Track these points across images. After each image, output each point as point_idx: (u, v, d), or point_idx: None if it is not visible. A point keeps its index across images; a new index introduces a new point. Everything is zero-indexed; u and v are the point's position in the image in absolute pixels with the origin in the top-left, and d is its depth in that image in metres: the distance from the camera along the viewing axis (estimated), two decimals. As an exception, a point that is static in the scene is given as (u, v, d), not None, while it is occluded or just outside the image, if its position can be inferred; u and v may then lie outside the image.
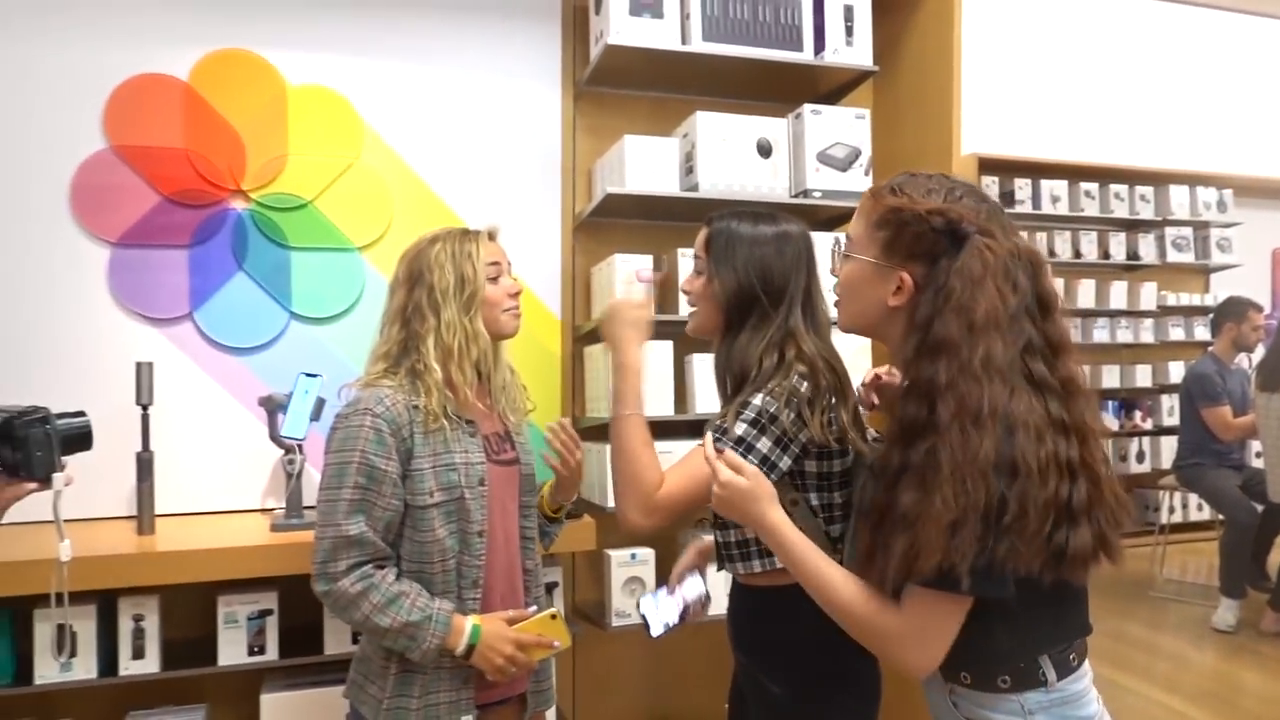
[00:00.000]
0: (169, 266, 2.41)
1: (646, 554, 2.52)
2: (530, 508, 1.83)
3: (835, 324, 1.38)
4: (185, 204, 2.42)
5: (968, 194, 1.20)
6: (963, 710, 1.22)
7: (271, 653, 2.19)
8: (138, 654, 2.11)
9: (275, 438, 2.31)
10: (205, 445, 2.43)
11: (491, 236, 1.76)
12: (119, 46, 2.38)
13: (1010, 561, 1.05)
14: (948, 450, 1.06)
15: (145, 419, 2.23)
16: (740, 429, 1.44)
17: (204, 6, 2.44)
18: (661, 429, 2.47)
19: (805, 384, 1.47)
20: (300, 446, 2.29)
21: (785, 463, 1.46)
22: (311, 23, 2.51)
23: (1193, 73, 6.42)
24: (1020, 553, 1.05)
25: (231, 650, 2.16)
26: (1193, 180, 6.02)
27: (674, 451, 2.44)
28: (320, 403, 2.31)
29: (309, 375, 2.34)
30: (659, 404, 2.45)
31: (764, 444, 1.44)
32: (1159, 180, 5.94)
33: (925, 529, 1.05)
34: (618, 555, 2.50)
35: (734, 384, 1.55)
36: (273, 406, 2.31)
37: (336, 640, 2.23)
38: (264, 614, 2.19)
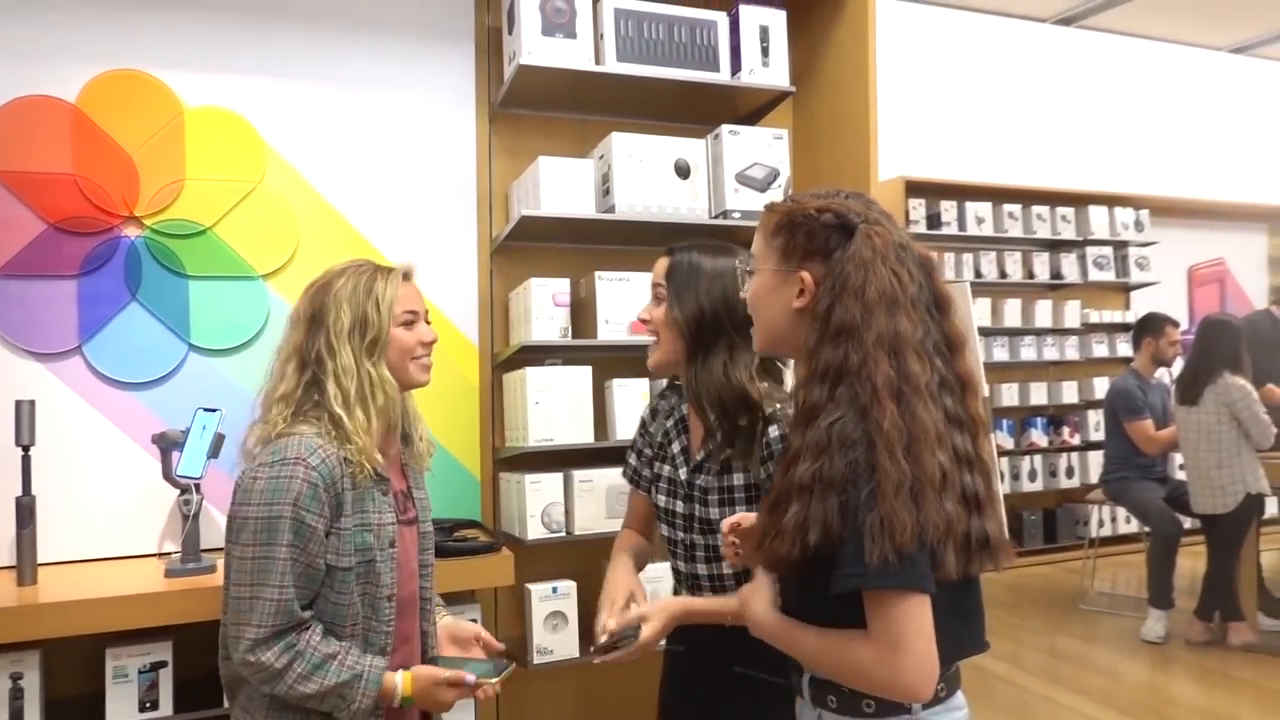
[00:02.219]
0: (56, 298, 2.27)
1: (568, 587, 2.43)
2: (428, 567, 1.70)
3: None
4: (74, 232, 2.29)
5: (855, 197, 1.24)
6: None
7: (166, 708, 2.05)
8: (16, 715, 1.95)
9: (170, 477, 2.17)
10: (93, 487, 2.29)
11: (406, 276, 1.64)
12: (1, 67, 2.25)
13: (901, 540, 1.04)
14: (853, 422, 1.09)
15: (26, 461, 2.08)
16: None
17: (93, 25, 2.32)
18: (581, 457, 2.41)
19: None
20: (197, 486, 2.16)
21: None
22: (210, 43, 2.41)
23: (1108, 98, 6.64)
24: (937, 528, 1.06)
25: (121, 707, 2.02)
26: (1111, 201, 6.20)
27: (594, 480, 2.39)
28: (219, 439, 2.19)
29: (207, 410, 2.21)
30: (577, 431, 2.37)
31: None
32: (1079, 201, 6.11)
33: (816, 499, 1.08)
34: (538, 589, 2.41)
35: (731, 408, 1.55)
36: (167, 444, 2.18)
37: (238, 691, 2.10)
38: (157, 666, 2.05)
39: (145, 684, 2.04)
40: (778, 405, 1.57)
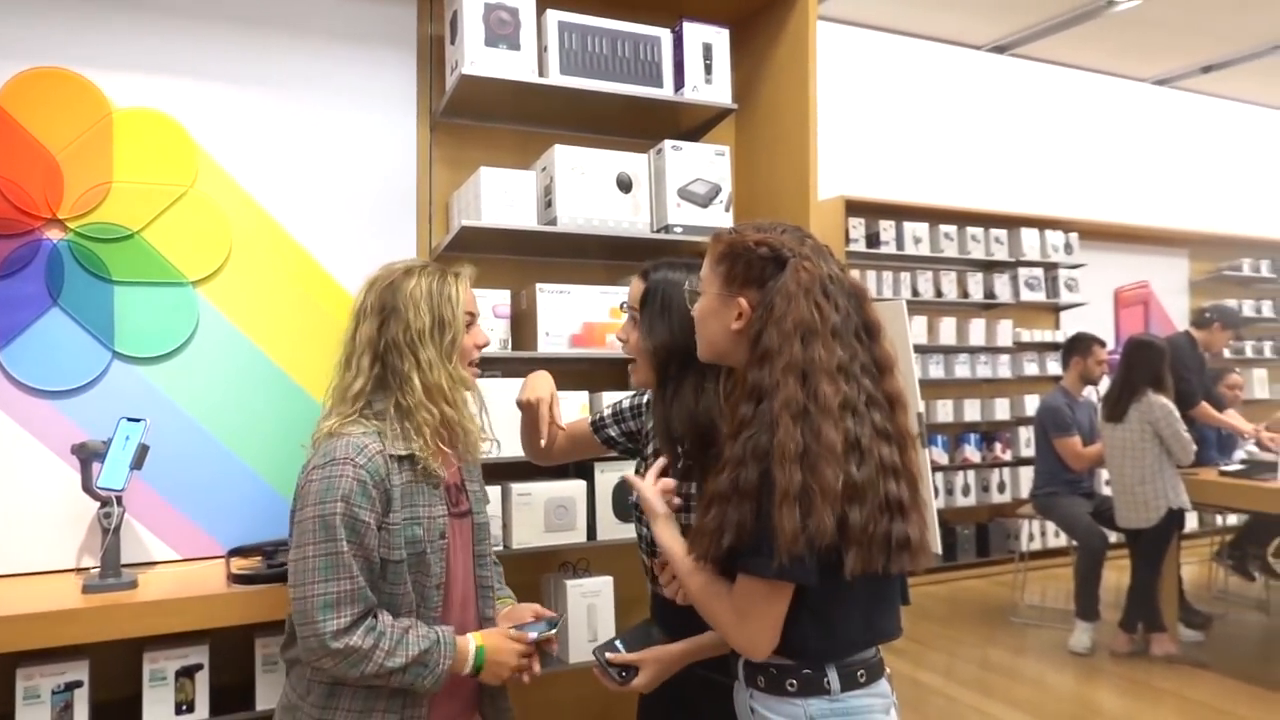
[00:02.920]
0: (-30, 302, 2.18)
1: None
2: (485, 557, 1.75)
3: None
4: (-9, 233, 2.20)
5: (791, 232, 1.37)
6: (757, 715, 1.35)
7: (80, 730, 1.97)
8: (-83, 740, 1.86)
9: (90, 489, 2.09)
10: (7, 499, 2.19)
11: (469, 279, 1.69)
12: (-85, 60, 2.16)
13: (820, 540, 1.18)
14: (765, 438, 1.21)
15: (-66, 471, 1.99)
16: None
17: (19, 20, 2.24)
18: (519, 470, 2.39)
19: None
20: (119, 498, 2.08)
21: None
22: (141, 42, 2.35)
23: (1040, 125, 6.85)
24: (857, 537, 1.21)
25: (32, 730, 1.93)
26: (1042, 224, 6.38)
27: (533, 493, 2.37)
28: (143, 450, 2.12)
29: (131, 420, 2.14)
30: (516, 444, 2.34)
31: None
32: (1012, 224, 6.27)
33: (733, 506, 1.22)
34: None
35: (700, 437, 1.57)
36: (87, 455, 2.10)
37: (159, 712, 2.03)
38: (72, 686, 1.96)
39: (59, 705, 1.95)
40: None
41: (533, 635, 1.65)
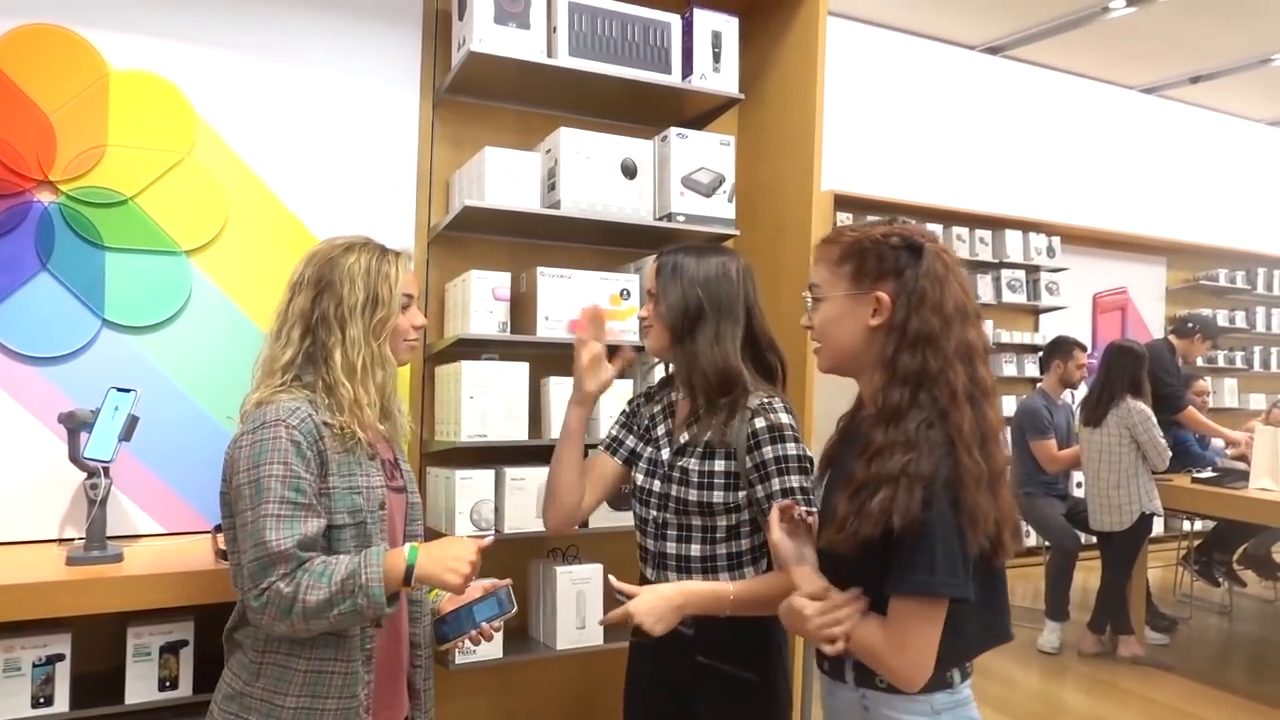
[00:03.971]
0: (-44, 262, 2.12)
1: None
2: (415, 538, 1.71)
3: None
4: (-20, 193, 2.14)
5: (901, 222, 1.38)
6: (873, 714, 1.34)
7: (61, 704, 1.93)
8: (-107, 709, 1.82)
9: (77, 459, 2.05)
10: (-9, 467, 2.14)
11: (409, 260, 1.69)
12: (-95, 10, 2.09)
13: (983, 534, 1.20)
14: (938, 428, 1.22)
15: (-84, 436, 1.94)
16: (798, 480, 1.65)
17: (13, -26, 2.18)
18: (514, 454, 2.37)
19: (792, 416, 1.69)
20: (106, 469, 2.04)
21: None
22: (140, 4, 2.29)
23: (1028, 127, 6.89)
24: (990, 524, 1.21)
25: (11, 702, 1.89)
26: (1025, 227, 6.43)
27: (526, 478, 2.35)
28: (133, 421, 2.07)
29: (121, 390, 2.10)
30: (512, 428, 2.34)
31: (809, 483, 1.66)
32: (996, 225, 6.32)
33: (903, 489, 1.20)
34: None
35: (717, 384, 1.69)
36: (75, 424, 2.05)
37: (141, 688, 1.99)
38: (53, 659, 1.93)
39: (40, 678, 1.91)
40: (764, 399, 1.69)
41: (481, 619, 1.60)
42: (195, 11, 2.34)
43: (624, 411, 1.97)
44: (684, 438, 1.76)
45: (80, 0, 2.23)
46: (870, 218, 5.54)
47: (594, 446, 2.02)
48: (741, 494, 1.69)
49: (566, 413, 1.85)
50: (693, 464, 1.72)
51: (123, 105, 2.26)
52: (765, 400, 1.69)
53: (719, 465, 1.70)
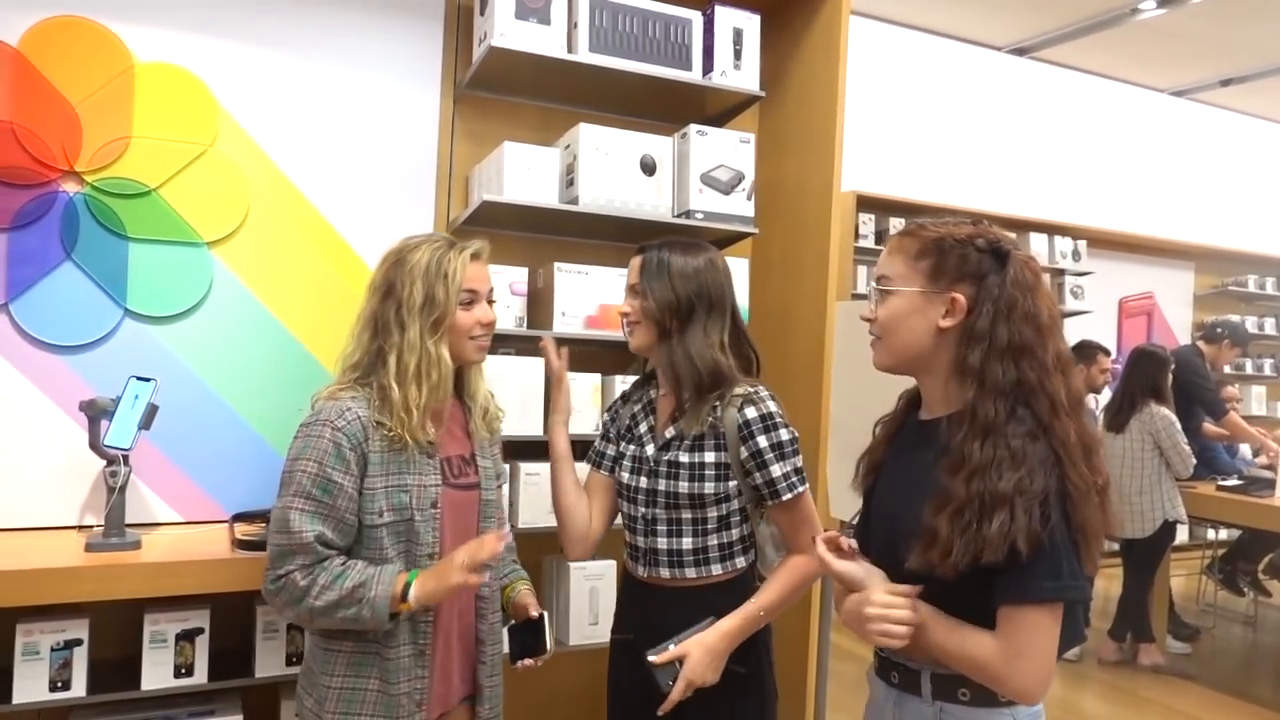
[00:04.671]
0: (-18, 251, 2.15)
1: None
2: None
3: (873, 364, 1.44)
4: (7, 183, 2.16)
5: (986, 224, 1.35)
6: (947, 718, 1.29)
7: (79, 688, 1.95)
8: (-87, 690, 1.84)
9: (97, 447, 2.07)
10: (13, 453, 2.16)
11: (476, 255, 1.68)
12: (-64, 2, 2.12)
13: (1098, 547, 1.20)
14: (1056, 440, 1.19)
15: (-59, 421, 1.97)
16: (793, 463, 1.71)
17: (41, -33, 2.21)
18: (528, 449, 2.38)
19: (778, 403, 1.74)
20: (125, 457, 2.06)
21: None
22: (166, -4, 2.31)
23: (1054, 129, 6.82)
24: (1094, 535, 1.20)
25: (30, 685, 1.92)
26: (1051, 230, 6.36)
27: (541, 474, 2.35)
28: (153, 410, 2.09)
29: (141, 379, 2.12)
30: (527, 423, 2.34)
31: (801, 463, 1.73)
32: (1021, 228, 6.25)
33: (1020, 509, 1.15)
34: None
35: (705, 380, 1.70)
36: (95, 412, 2.07)
37: (157, 674, 2.01)
38: (71, 644, 1.95)
39: (58, 662, 1.94)
40: (750, 389, 1.72)
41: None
42: (220, 5, 2.36)
43: (603, 420, 2.00)
44: (669, 432, 1.76)
45: (107, -7, 2.25)
46: (861, 217, 5.47)
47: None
48: (732, 484, 1.71)
49: (552, 435, 1.90)
50: (682, 457, 1.73)
51: (147, 97, 2.28)
52: (752, 390, 1.72)
53: (709, 457, 1.71)
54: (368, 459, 1.56)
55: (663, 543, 1.75)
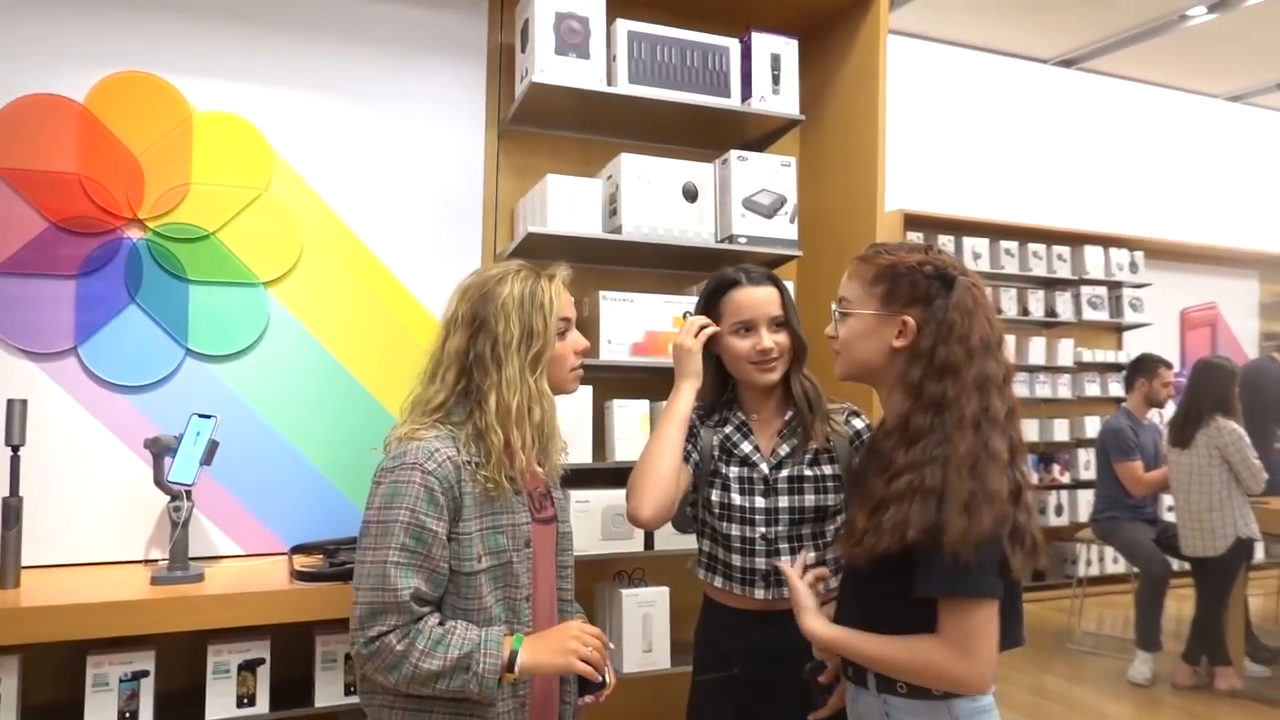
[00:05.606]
0: (53, 297, 2.25)
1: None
2: (567, 568, 1.70)
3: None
4: (75, 231, 2.27)
5: (939, 252, 1.44)
6: (893, 717, 1.37)
7: (146, 718, 2.00)
8: (-8, 722, 1.91)
9: (161, 483, 2.14)
10: (82, 490, 2.25)
11: (565, 282, 1.61)
12: (8, 65, 2.23)
13: (999, 547, 1.26)
14: (951, 447, 1.28)
15: (15, 460, 2.05)
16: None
17: (104, 26, 2.31)
18: (579, 477, 2.39)
19: None
20: (188, 493, 2.12)
21: None
22: (221, 48, 2.41)
23: (1106, 140, 6.71)
24: (1007, 541, 1.26)
25: (100, 716, 1.97)
26: (1106, 242, 6.23)
27: (591, 501, 2.37)
28: (213, 445, 2.16)
29: (202, 416, 2.19)
30: (576, 451, 2.35)
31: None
32: (1075, 241, 6.14)
33: (919, 503, 1.27)
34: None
35: (815, 396, 1.80)
36: (159, 449, 2.14)
37: (221, 704, 2.06)
38: (139, 675, 2.01)
39: (126, 693, 1.99)
40: (842, 402, 1.85)
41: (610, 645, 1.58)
42: (272, 54, 2.45)
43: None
44: (784, 449, 1.76)
45: (164, 47, 2.36)
46: (911, 235, 5.48)
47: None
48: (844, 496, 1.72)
49: (678, 395, 1.76)
50: (807, 471, 1.74)
51: (205, 144, 2.38)
52: (844, 403, 1.84)
53: (827, 469, 1.75)
54: (460, 503, 1.44)
55: (786, 560, 1.71)
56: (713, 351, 1.81)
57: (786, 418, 1.79)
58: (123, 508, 2.27)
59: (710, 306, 1.80)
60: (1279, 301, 7.22)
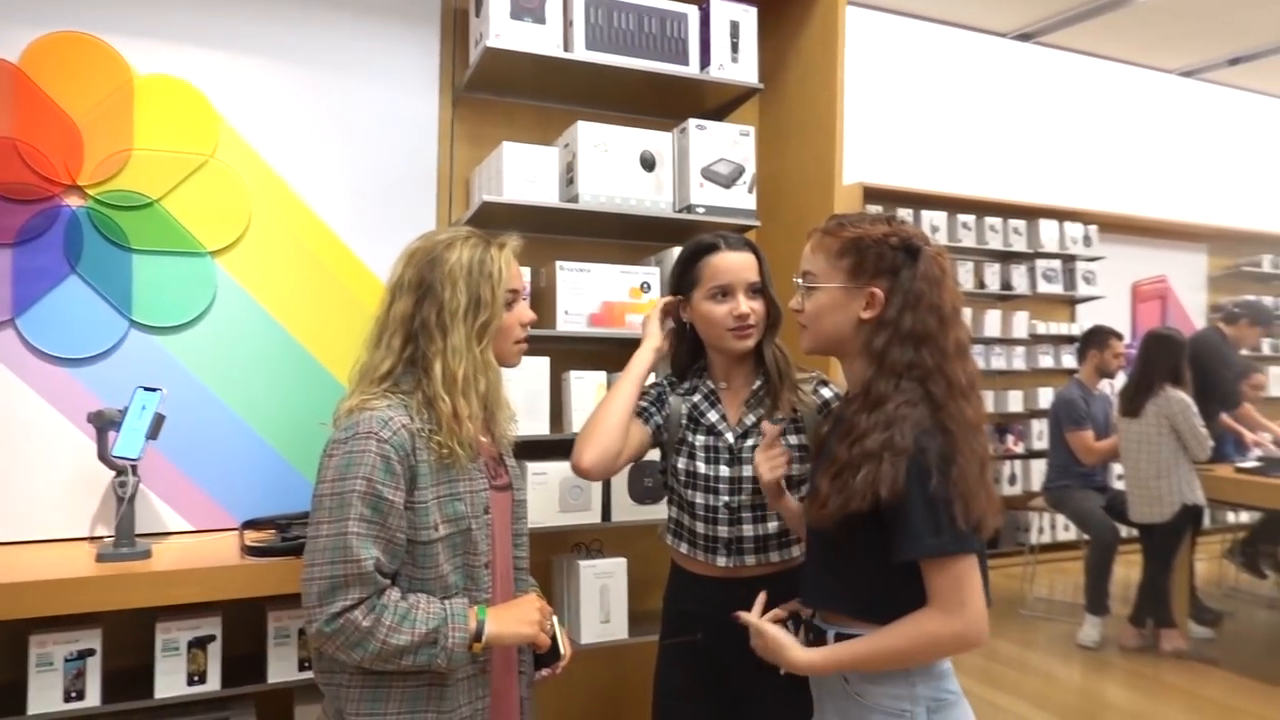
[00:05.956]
0: (-12, 267, 2.17)
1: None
2: (522, 536, 1.70)
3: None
4: (10, 199, 2.18)
5: (903, 223, 1.45)
6: (853, 685, 1.38)
7: (93, 698, 1.97)
8: (-69, 703, 1.86)
9: (105, 458, 2.08)
10: (23, 466, 2.19)
11: (514, 252, 1.58)
12: (-64, 21, 2.14)
13: (977, 510, 1.28)
14: (925, 413, 1.31)
15: (-49, 436, 1.98)
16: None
17: (39, -17, 2.22)
18: (535, 449, 2.37)
19: None
20: (134, 468, 2.07)
21: None
22: (162, 8, 2.32)
23: (1062, 115, 6.77)
24: (982, 503, 1.29)
25: (44, 696, 1.93)
26: (1061, 216, 6.31)
27: (549, 473, 2.35)
28: (160, 419, 2.11)
29: (148, 389, 2.13)
30: (533, 423, 2.34)
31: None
32: (1030, 215, 6.21)
33: (887, 463, 1.28)
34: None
35: (786, 365, 1.80)
36: (103, 423, 2.09)
37: (170, 682, 2.02)
38: (85, 654, 1.96)
39: (71, 673, 1.95)
40: (809, 371, 1.84)
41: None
42: (216, 16, 2.37)
43: (656, 385, 1.91)
44: (751, 418, 1.76)
45: (103, 7, 2.27)
46: (871, 208, 5.52)
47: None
48: (808, 465, 1.72)
49: (639, 357, 1.80)
50: None
51: (147, 109, 2.30)
52: (812, 371, 1.84)
53: (793, 440, 1.75)
54: (416, 470, 1.43)
55: (749, 529, 1.74)
56: (685, 319, 1.81)
57: (755, 387, 1.79)
58: (66, 483, 2.22)
59: (687, 271, 1.79)
60: (1227, 274, 7.38)
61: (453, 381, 1.46)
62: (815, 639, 1.45)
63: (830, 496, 1.34)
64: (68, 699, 1.94)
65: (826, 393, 1.81)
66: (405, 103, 2.56)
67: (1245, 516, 5.55)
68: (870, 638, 1.34)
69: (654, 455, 1.95)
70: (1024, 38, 6.59)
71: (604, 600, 2.41)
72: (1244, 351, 5.41)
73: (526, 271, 2.42)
